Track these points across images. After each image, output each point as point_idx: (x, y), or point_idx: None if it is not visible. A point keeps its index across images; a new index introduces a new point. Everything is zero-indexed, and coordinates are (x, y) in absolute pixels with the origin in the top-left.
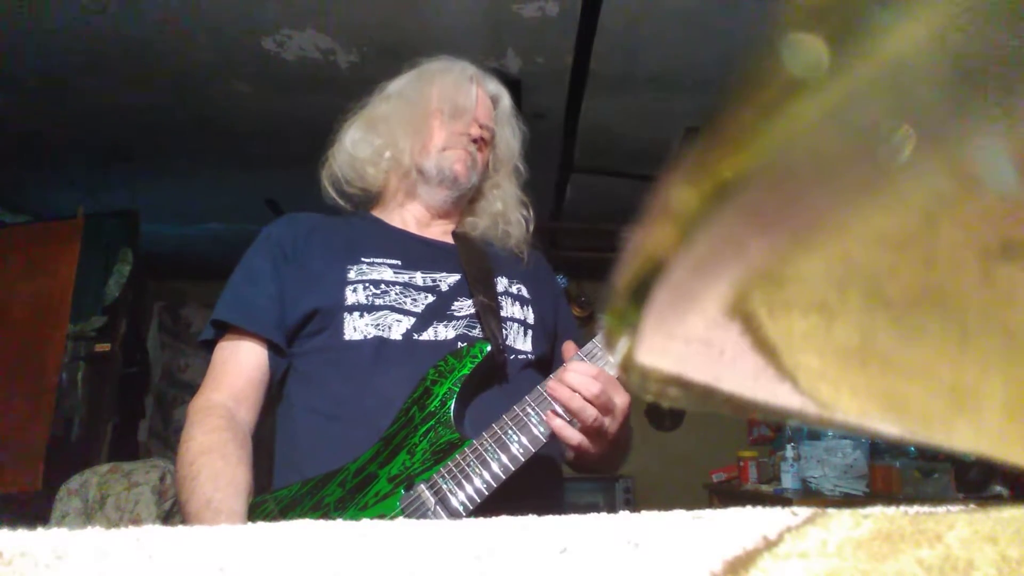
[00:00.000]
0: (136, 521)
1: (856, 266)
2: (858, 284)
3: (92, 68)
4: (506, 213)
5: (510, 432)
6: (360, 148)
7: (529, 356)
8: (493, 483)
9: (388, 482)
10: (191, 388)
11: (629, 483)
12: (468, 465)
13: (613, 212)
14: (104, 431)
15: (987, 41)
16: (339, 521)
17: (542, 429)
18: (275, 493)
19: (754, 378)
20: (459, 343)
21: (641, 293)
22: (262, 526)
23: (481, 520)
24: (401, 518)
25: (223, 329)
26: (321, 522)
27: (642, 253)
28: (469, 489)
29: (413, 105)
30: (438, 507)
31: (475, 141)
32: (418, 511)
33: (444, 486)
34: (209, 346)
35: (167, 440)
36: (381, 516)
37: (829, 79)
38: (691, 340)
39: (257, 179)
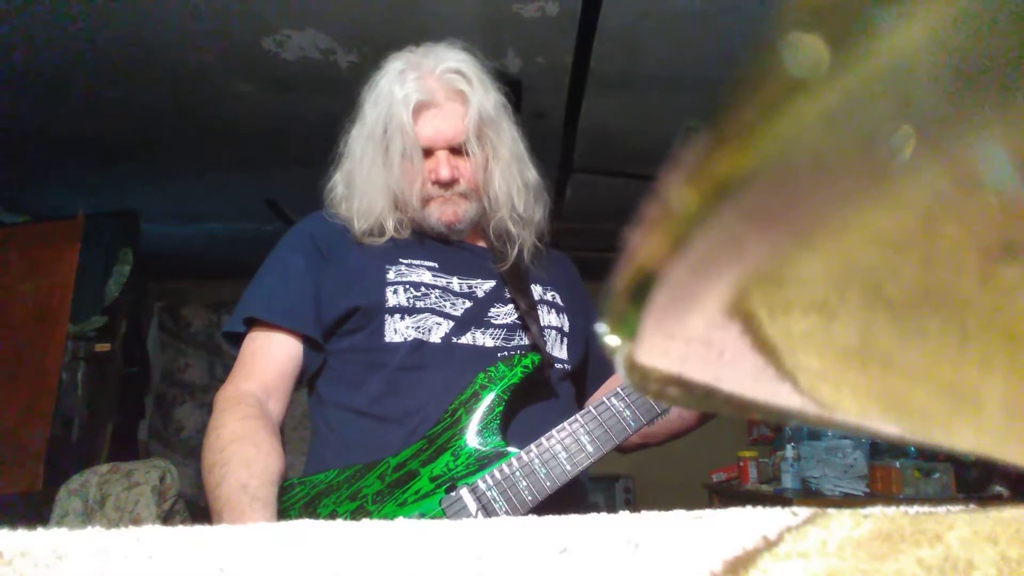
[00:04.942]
0: (136, 521)
1: (856, 266)
2: (858, 284)
3: (92, 68)
4: (513, 209)
5: (558, 448)
6: (356, 220)
7: (566, 366)
8: (539, 497)
9: (430, 481)
10: (191, 388)
11: (629, 483)
12: (514, 476)
13: (613, 212)
14: (104, 431)
15: (987, 41)
16: (340, 522)
17: (591, 450)
18: (308, 478)
19: (754, 378)
20: (498, 354)
21: (641, 294)
22: (262, 526)
23: (481, 520)
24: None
25: (251, 322)
26: (321, 522)
27: (641, 254)
28: (514, 500)
29: (375, 162)
30: (480, 514)
31: (448, 183)
32: (459, 514)
33: (488, 494)
34: (231, 338)
35: (167, 440)
36: (421, 515)
37: (829, 79)
38: (691, 340)
39: (257, 179)
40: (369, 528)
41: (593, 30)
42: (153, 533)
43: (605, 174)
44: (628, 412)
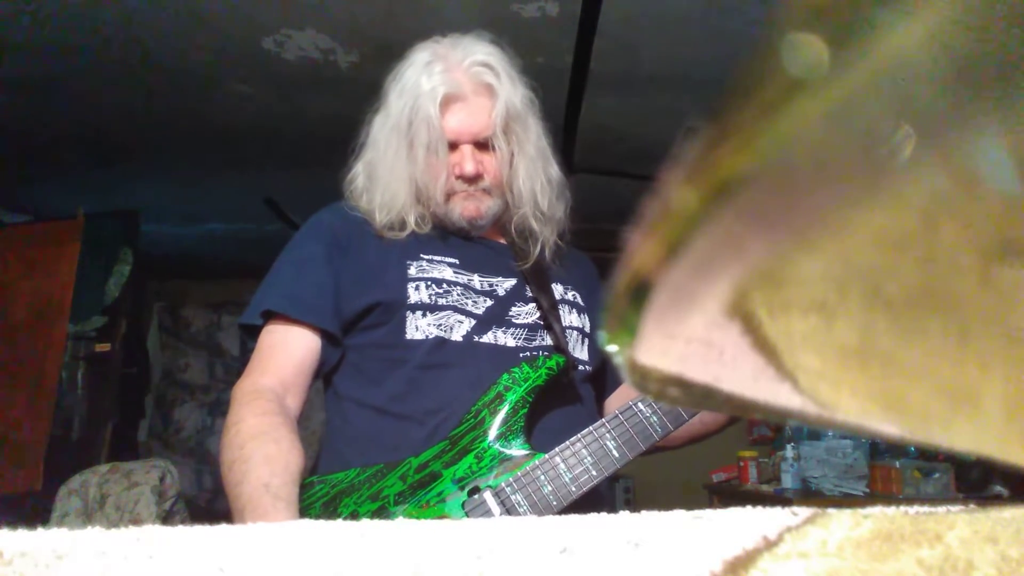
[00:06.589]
0: (136, 521)
1: (856, 266)
2: (858, 284)
3: (92, 68)
4: (537, 206)
5: (584, 453)
6: (378, 212)
7: (587, 367)
8: (564, 502)
9: (453, 483)
10: (191, 388)
11: (629, 483)
12: (539, 480)
13: (613, 212)
14: (104, 431)
15: (987, 41)
16: (340, 521)
17: (617, 455)
18: (328, 476)
19: (754, 378)
20: (520, 354)
21: (641, 294)
22: (262, 526)
23: (482, 520)
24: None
25: (269, 314)
26: (321, 522)
27: (642, 254)
28: (539, 504)
29: (399, 154)
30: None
31: (473, 179)
32: (483, 518)
33: (513, 497)
34: (248, 330)
35: (167, 440)
36: (443, 517)
37: (829, 79)
38: (691, 340)
39: (257, 179)
40: (369, 528)
41: (593, 30)
42: (153, 533)
43: (605, 174)
44: (655, 418)
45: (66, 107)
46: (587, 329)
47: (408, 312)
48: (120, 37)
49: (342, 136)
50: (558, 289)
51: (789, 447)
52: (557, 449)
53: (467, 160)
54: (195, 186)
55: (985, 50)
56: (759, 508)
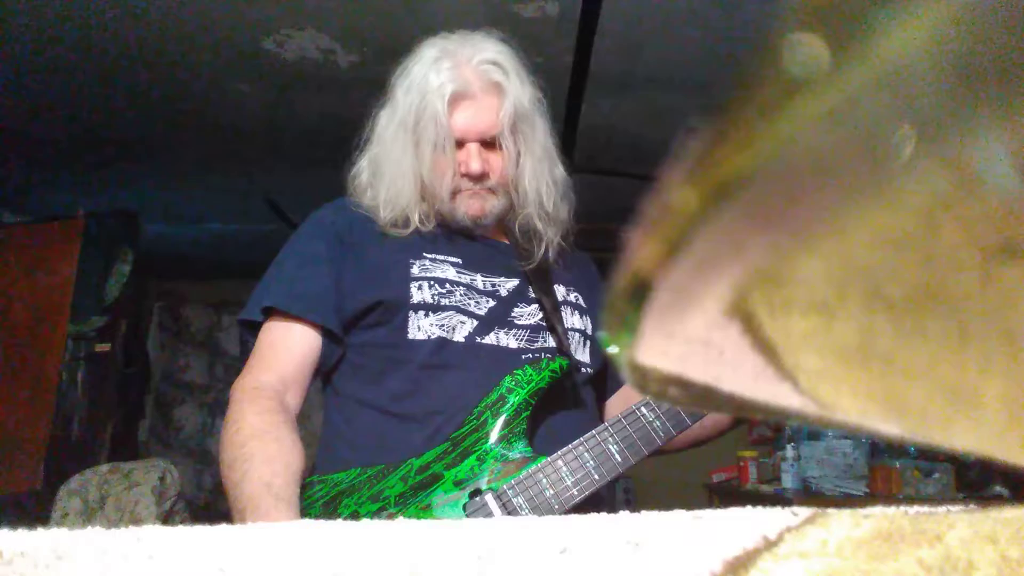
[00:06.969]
0: (136, 521)
1: (856, 266)
2: (858, 284)
3: (92, 68)
4: (541, 206)
5: (587, 457)
6: (382, 209)
7: (588, 370)
8: (566, 505)
9: (454, 485)
10: (191, 388)
11: (629, 483)
12: (540, 483)
13: (613, 212)
14: (104, 431)
15: (987, 41)
16: (340, 521)
17: (619, 460)
18: (329, 476)
19: (754, 378)
20: (522, 355)
21: (641, 294)
22: (262, 526)
23: (481, 520)
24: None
25: (269, 311)
26: (321, 522)
27: (642, 254)
28: (541, 508)
29: (405, 151)
30: None
31: (478, 177)
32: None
33: (514, 500)
34: (247, 326)
35: (167, 440)
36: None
37: (829, 79)
38: (691, 340)
39: (257, 179)
40: (369, 528)
41: (593, 30)
42: (153, 533)
43: (605, 174)
44: (658, 423)
45: (66, 107)
46: (589, 331)
47: (410, 312)
48: (120, 37)
49: (342, 136)
50: (560, 290)
51: (789, 447)
52: (559, 452)
53: (473, 158)
54: (195, 186)
55: (985, 50)
56: (759, 508)
